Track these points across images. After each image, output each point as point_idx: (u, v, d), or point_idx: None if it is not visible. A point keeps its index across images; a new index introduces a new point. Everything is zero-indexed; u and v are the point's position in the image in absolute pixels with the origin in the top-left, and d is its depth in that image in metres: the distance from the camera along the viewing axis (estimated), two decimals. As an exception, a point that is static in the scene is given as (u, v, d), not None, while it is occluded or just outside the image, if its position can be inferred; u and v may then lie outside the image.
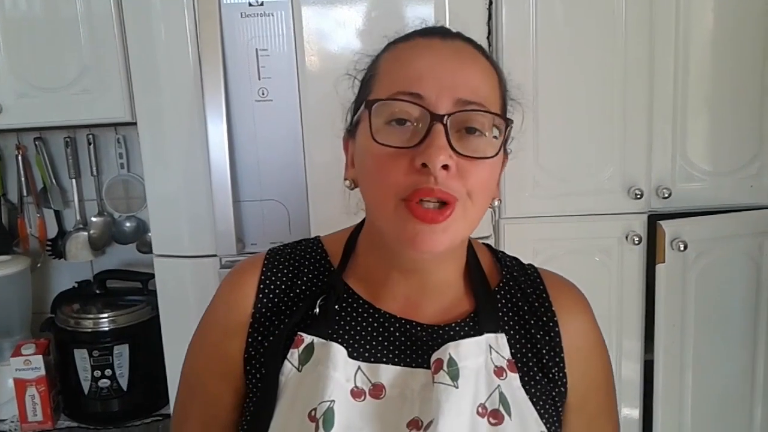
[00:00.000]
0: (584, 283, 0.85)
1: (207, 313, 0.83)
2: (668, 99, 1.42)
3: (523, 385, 0.74)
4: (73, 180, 1.74)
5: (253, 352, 0.77)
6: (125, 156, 1.74)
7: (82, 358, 1.52)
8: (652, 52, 1.40)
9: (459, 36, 0.73)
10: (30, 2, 1.41)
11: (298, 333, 0.74)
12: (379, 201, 0.69)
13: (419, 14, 1.22)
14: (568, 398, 0.77)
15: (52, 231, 1.80)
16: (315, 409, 0.69)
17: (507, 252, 0.87)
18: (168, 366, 1.37)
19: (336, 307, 0.76)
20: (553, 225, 1.45)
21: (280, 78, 1.24)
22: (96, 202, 1.76)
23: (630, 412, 1.50)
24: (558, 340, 0.78)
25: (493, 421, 0.69)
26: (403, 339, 0.75)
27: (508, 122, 0.71)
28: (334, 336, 0.74)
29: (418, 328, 0.75)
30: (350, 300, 0.77)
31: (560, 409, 0.77)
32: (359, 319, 0.76)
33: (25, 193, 1.76)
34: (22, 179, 1.75)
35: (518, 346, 0.77)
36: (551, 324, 0.78)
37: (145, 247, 1.75)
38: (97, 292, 1.67)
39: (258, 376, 0.76)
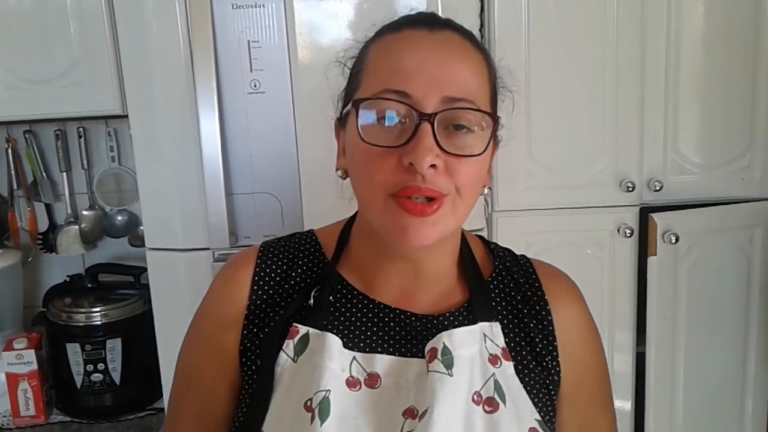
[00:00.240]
0: (576, 275, 0.85)
1: (201, 306, 0.83)
2: (660, 92, 1.42)
3: (518, 374, 0.74)
4: (64, 173, 1.73)
5: (248, 345, 0.77)
6: (116, 149, 1.72)
7: (74, 352, 1.52)
8: (644, 45, 1.40)
9: (448, 25, 0.72)
10: (19, -6, 1.40)
11: (294, 324, 0.74)
12: (369, 196, 0.70)
13: (411, 5, 1.21)
14: (562, 387, 0.78)
15: (43, 225, 1.79)
16: (311, 399, 0.69)
17: (500, 244, 0.88)
18: (161, 360, 1.36)
19: (330, 298, 0.77)
20: (546, 218, 1.45)
21: (273, 70, 1.24)
22: (87, 196, 1.75)
23: (622, 404, 1.51)
24: (551, 329, 0.78)
25: (488, 408, 0.70)
26: (397, 329, 0.75)
27: (496, 119, 0.71)
28: (329, 327, 0.74)
29: (413, 318, 0.76)
30: (344, 291, 0.78)
31: (554, 397, 0.78)
32: (354, 309, 0.77)
33: (15, 187, 1.75)
34: (12, 172, 1.73)
35: (512, 335, 0.77)
36: (544, 313, 0.79)
37: (137, 241, 1.74)
38: (89, 285, 1.66)
39: (253, 368, 0.76)
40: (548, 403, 0.77)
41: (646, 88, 1.41)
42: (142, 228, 1.70)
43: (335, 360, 0.71)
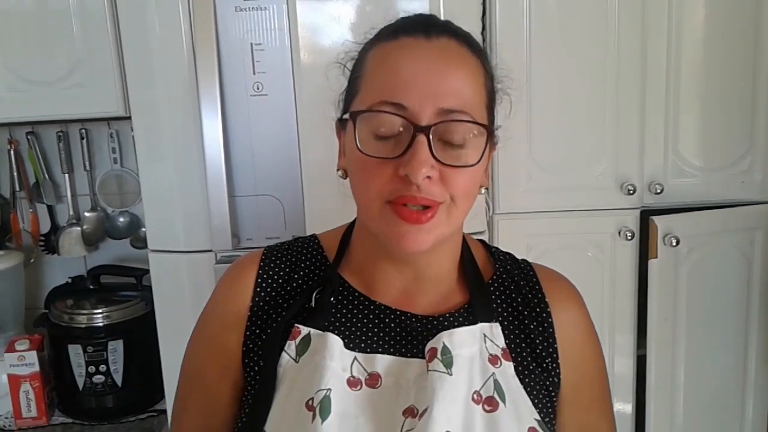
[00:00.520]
0: (577, 278, 0.86)
1: (206, 307, 0.84)
2: (660, 95, 1.43)
3: (518, 375, 0.75)
4: (66, 175, 1.74)
5: (251, 345, 0.78)
6: (118, 151, 1.73)
7: (76, 353, 1.52)
8: (645, 48, 1.40)
9: (445, 30, 0.72)
10: (21, -6, 1.40)
11: (295, 325, 0.75)
12: (366, 202, 0.72)
13: (413, 8, 1.22)
14: (562, 388, 0.79)
15: (45, 226, 1.79)
16: (312, 398, 0.70)
17: (501, 247, 0.88)
18: (163, 361, 1.36)
19: (332, 299, 0.77)
20: (547, 220, 1.46)
21: (275, 72, 1.24)
22: (89, 197, 1.76)
23: (623, 406, 1.51)
24: (551, 330, 0.79)
25: (487, 408, 0.71)
26: (398, 330, 0.76)
27: (491, 131, 0.71)
28: (331, 328, 0.75)
29: (413, 319, 0.77)
30: (346, 293, 0.78)
31: (554, 399, 0.78)
32: (355, 311, 0.77)
33: (17, 188, 1.75)
34: (15, 174, 1.74)
35: (512, 336, 0.78)
36: (544, 315, 0.79)
37: (139, 243, 1.74)
38: (91, 287, 1.67)
39: (256, 368, 0.77)
40: (548, 404, 0.77)
41: (647, 90, 1.42)
42: (144, 230, 1.70)
43: (336, 360, 0.72)
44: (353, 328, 0.76)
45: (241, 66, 1.24)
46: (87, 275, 1.70)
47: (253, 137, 1.26)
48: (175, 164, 1.29)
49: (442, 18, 0.76)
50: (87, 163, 1.72)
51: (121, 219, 1.77)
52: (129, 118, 1.33)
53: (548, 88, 1.40)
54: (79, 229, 1.76)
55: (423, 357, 0.73)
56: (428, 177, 0.67)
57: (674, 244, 1.42)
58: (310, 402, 0.70)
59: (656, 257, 1.44)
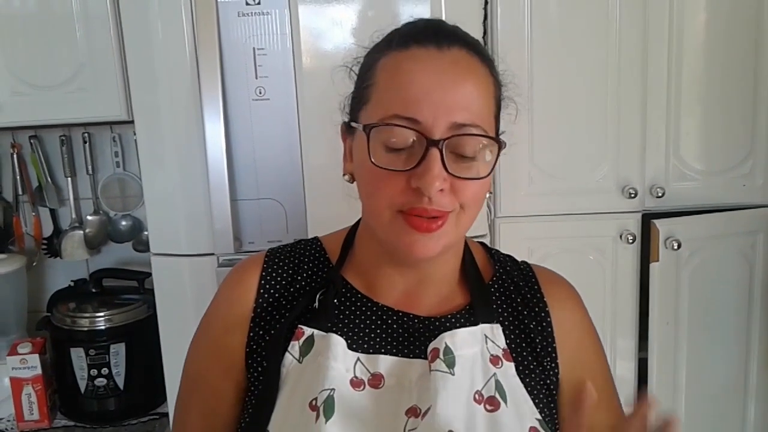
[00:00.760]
0: (578, 281, 0.86)
1: (209, 309, 0.84)
2: (662, 99, 1.43)
3: (518, 374, 0.75)
4: (69, 178, 1.74)
5: (254, 347, 0.78)
6: (121, 154, 1.73)
7: (78, 356, 1.52)
8: (646, 52, 1.41)
9: (456, 39, 0.72)
10: (24, -1, 1.41)
11: (299, 326, 0.76)
12: (376, 211, 0.72)
13: (415, 14, 1.22)
14: (562, 387, 0.79)
15: (48, 229, 1.79)
16: (315, 398, 0.70)
17: (502, 250, 0.89)
18: (165, 364, 1.36)
19: (335, 301, 0.78)
20: (548, 224, 1.46)
21: (278, 77, 1.25)
22: (91, 201, 1.76)
23: (624, 409, 1.50)
24: (550, 330, 0.80)
25: (489, 407, 0.71)
26: (400, 331, 0.77)
27: (501, 143, 0.72)
28: (334, 329, 0.76)
29: (415, 320, 0.77)
30: (349, 294, 0.79)
31: (555, 397, 0.79)
32: (358, 312, 0.78)
33: (20, 192, 1.76)
34: (18, 177, 1.74)
35: (512, 336, 0.79)
36: (543, 315, 0.80)
37: (141, 246, 1.75)
38: (93, 290, 1.67)
39: (259, 369, 0.77)
40: (549, 403, 0.78)
41: (648, 94, 1.42)
42: (146, 233, 1.71)
43: (339, 360, 0.73)
44: (356, 329, 0.77)
45: (244, 70, 1.24)
46: (89, 278, 1.71)
47: (255, 141, 1.27)
48: (177, 168, 1.29)
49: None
50: (90, 167, 1.73)
51: (124, 222, 1.78)
52: (132, 122, 1.34)
53: (550, 92, 1.41)
54: (81, 232, 1.76)
55: (425, 357, 0.73)
56: (440, 189, 0.68)
57: (676, 247, 1.42)
58: (314, 402, 0.70)
59: (658, 261, 1.44)
